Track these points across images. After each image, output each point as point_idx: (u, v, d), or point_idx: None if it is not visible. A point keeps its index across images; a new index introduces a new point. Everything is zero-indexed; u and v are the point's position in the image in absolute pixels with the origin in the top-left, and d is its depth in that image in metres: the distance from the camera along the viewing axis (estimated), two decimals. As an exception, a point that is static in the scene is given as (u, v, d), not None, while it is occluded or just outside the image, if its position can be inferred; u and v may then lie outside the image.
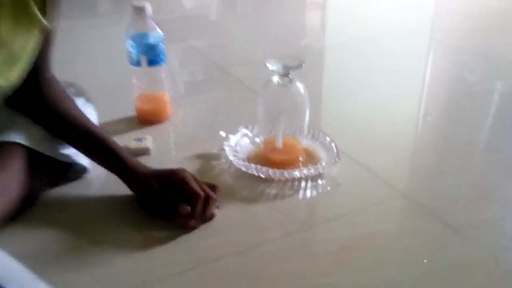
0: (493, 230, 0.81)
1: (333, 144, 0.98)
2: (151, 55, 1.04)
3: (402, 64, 1.59)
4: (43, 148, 0.83)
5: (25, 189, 0.77)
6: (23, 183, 0.77)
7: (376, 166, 0.97)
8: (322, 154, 0.98)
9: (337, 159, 0.94)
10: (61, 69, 0.91)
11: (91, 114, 0.95)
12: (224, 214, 0.82)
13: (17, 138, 0.80)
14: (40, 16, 0.73)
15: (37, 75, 0.83)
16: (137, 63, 1.05)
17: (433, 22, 2.22)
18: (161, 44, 1.05)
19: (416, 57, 1.69)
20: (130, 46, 1.04)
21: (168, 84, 1.13)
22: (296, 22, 2.23)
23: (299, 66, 0.89)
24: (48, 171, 0.85)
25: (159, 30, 1.05)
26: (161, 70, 1.09)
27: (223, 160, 0.97)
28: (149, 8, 1.02)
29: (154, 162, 0.89)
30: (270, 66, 0.89)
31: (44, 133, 0.84)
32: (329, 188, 0.91)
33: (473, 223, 0.82)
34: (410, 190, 0.91)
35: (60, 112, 0.85)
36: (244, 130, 1.03)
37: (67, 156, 0.86)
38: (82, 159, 0.88)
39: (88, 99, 0.98)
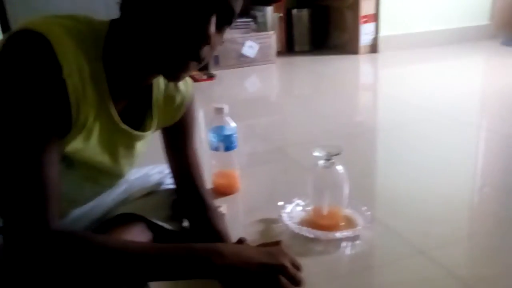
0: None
1: (368, 212, 1.24)
2: (227, 143, 1.37)
3: (447, 149, 1.77)
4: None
5: None
6: None
7: (404, 230, 1.21)
8: (359, 220, 1.24)
9: (370, 224, 1.19)
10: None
11: None
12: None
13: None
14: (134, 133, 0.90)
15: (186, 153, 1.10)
16: (216, 149, 1.38)
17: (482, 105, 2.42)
18: (234, 134, 1.38)
19: (464, 143, 1.85)
20: (211, 137, 1.37)
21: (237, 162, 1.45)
22: (348, 104, 2.52)
23: (338, 153, 1.18)
24: None
25: (233, 124, 1.38)
26: (233, 153, 1.41)
27: (281, 224, 1.24)
28: (226, 108, 1.36)
29: (228, 225, 1.16)
30: (317, 153, 1.18)
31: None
32: (364, 247, 1.16)
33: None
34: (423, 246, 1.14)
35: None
36: (298, 200, 1.31)
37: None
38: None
39: None
